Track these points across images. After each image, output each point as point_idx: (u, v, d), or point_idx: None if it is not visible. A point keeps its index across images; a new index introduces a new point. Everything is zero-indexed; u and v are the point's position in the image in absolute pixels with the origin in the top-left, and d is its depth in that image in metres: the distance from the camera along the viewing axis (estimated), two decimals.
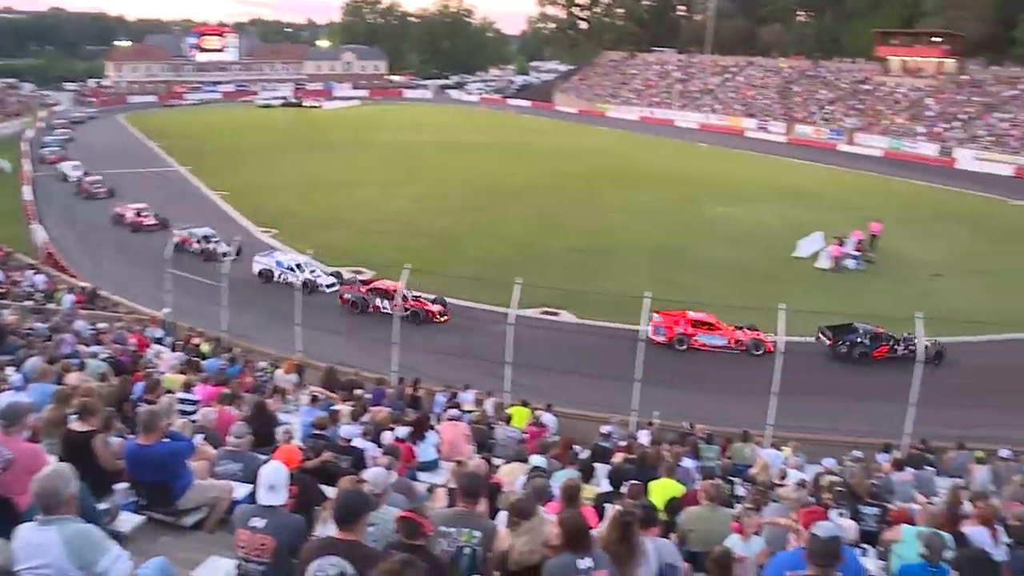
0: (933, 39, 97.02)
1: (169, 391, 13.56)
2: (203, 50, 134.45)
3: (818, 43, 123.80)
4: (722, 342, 29.29)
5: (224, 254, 32.62)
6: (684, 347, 29.09)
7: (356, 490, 6.72)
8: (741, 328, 29.42)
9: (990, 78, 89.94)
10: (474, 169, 63.73)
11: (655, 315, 28.40)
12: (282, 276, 34.34)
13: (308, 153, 71.01)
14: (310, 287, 32.96)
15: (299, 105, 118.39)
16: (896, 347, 28.53)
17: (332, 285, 33.85)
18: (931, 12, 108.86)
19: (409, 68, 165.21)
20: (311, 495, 8.18)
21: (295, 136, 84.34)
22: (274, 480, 6.52)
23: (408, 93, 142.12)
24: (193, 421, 11.33)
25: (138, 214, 44.36)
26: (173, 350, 21.20)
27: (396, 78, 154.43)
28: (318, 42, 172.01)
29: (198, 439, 10.20)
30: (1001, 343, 29.90)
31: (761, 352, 28.19)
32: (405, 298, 28.46)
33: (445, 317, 31.01)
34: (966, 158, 76.33)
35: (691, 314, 29.63)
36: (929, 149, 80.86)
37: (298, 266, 34.20)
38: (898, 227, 44.57)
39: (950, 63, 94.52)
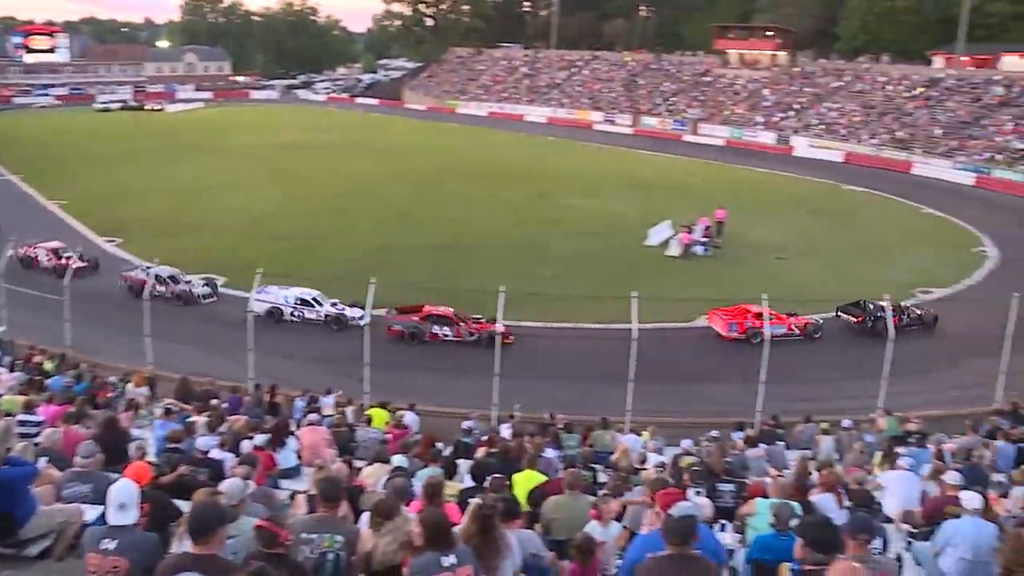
0: (767, 33, 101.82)
1: (8, 414, 12.88)
2: (31, 50, 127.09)
3: (660, 37, 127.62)
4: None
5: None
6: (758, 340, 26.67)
7: (210, 503, 6.57)
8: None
9: (819, 70, 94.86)
10: (328, 170, 62.76)
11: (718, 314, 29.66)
12: (295, 314, 30.66)
13: (153, 158, 68.23)
14: (340, 323, 30.03)
15: (140, 108, 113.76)
16: (904, 317, 29.91)
17: (362, 316, 25.51)
18: (764, 8, 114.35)
19: (254, 68, 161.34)
20: (165, 511, 7.93)
21: (138, 141, 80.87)
22: (124, 499, 6.29)
23: (254, 94, 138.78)
24: (36, 444, 10.82)
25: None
26: (11, 370, 20.15)
27: (241, 79, 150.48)
28: (158, 43, 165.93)
29: (42, 462, 9.74)
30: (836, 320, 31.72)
31: None
32: (467, 320, 28.41)
33: (511, 338, 27.61)
34: (802, 146, 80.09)
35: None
36: (768, 138, 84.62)
37: (314, 300, 30.86)
38: (742, 213, 46.26)
39: (783, 56, 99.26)
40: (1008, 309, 22.75)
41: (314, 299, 30.74)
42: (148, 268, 30.66)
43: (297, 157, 68.76)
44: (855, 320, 30.75)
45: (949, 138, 73.52)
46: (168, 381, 21.49)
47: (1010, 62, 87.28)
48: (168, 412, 15.59)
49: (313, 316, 30.40)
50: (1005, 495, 11.73)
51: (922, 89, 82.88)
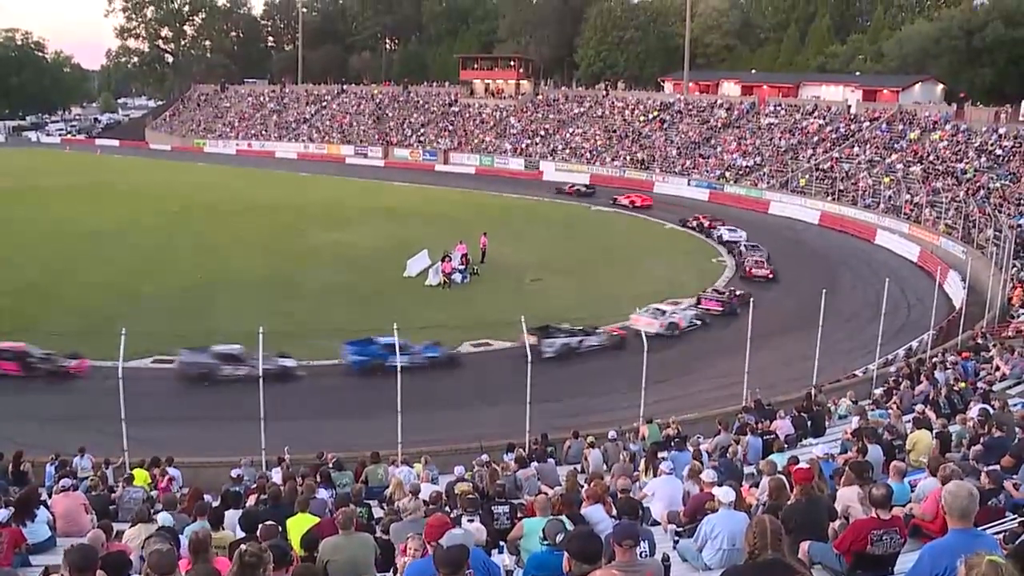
0: (510, 63, 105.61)
1: None
2: None
3: (406, 69, 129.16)
4: None
5: None
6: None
7: None
8: None
9: (561, 97, 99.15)
10: (56, 217, 57.63)
11: None
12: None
13: None
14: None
15: None
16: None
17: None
18: (505, 38, 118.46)
19: None
20: None
21: None
22: None
23: None
24: None
25: None
26: None
27: None
28: None
29: None
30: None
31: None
32: None
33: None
34: (550, 170, 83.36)
35: None
36: (517, 164, 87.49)
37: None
38: (497, 238, 47.34)
39: (526, 84, 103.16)
40: (747, 313, 24.58)
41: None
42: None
43: (27, 203, 63.17)
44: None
45: (684, 158, 78.84)
46: None
47: (728, 87, 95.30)
48: None
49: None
50: (756, 485, 12.60)
51: (655, 113, 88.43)
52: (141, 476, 17.00)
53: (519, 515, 11.81)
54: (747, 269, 44.00)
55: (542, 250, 48.92)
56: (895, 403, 19.58)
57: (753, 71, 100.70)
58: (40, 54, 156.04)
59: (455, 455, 19.53)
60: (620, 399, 24.97)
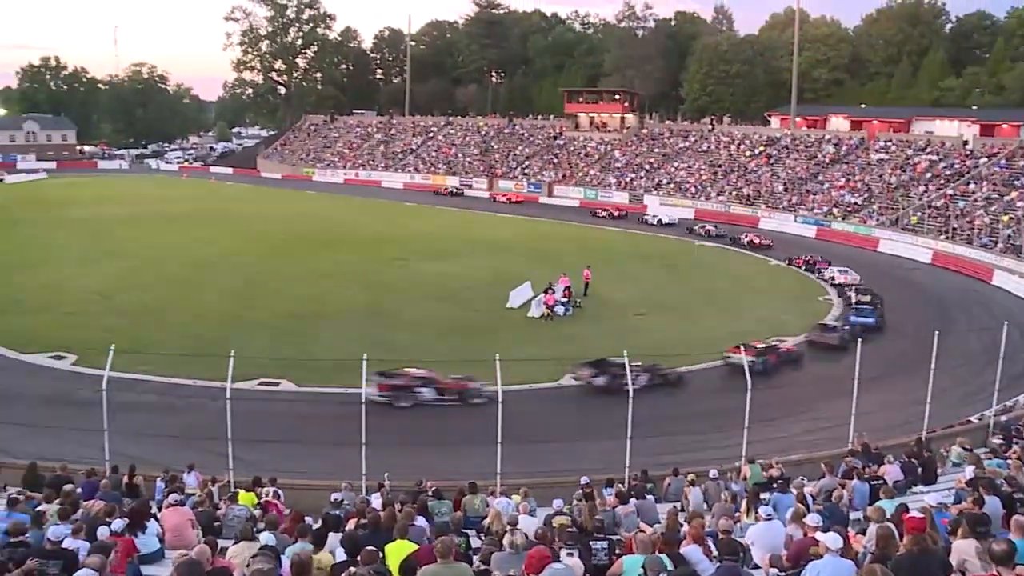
0: (615, 97, 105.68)
1: None
2: None
3: (511, 102, 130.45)
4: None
5: None
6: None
7: None
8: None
9: (666, 131, 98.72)
10: (176, 241, 60.83)
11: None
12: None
13: None
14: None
15: None
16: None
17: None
18: (610, 72, 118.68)
19: (101, 138, 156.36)
20: None
21: None
22: None
23: (102, 164, 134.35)
24: None
25: None
26: None
27: (87, 148, 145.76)
28: None
29: None
30: (700, 372, 32.61)
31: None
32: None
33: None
34: (654, 204, 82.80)
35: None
36: (621, 197, 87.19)
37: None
38: (600, 271, 47.17)
39: (631, 118, 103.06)
40: (855, 353, 23.88)
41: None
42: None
43: (145, 228, 66.34)
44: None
45: (790, 194, 77.55)
46: (13, 469, 20.26)
47: (836, 122, 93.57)
48: (14, 502, 14.64)
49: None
50: (863, 532, 12.19)
51: (762, 148, 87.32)
52: (245, 496, 17.38)
53: (617, 552, 11.67)
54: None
55: (644, 285, 48.61)
56: (1015, 453, 18.71)
57: (863, 105, 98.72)
58: (163, 86, 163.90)
59: (554, 488, 19.42)
60: (721, 437, 24.52)
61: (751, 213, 76.74)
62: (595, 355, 31.31)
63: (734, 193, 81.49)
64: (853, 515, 14.47)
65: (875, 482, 16.79)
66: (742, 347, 27.17)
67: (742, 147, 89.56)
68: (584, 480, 17.51)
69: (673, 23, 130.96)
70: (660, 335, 37.41)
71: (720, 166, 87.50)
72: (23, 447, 23.30)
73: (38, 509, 12.86)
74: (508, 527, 13.96)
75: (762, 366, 31.40)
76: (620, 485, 19.08)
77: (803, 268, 55.45)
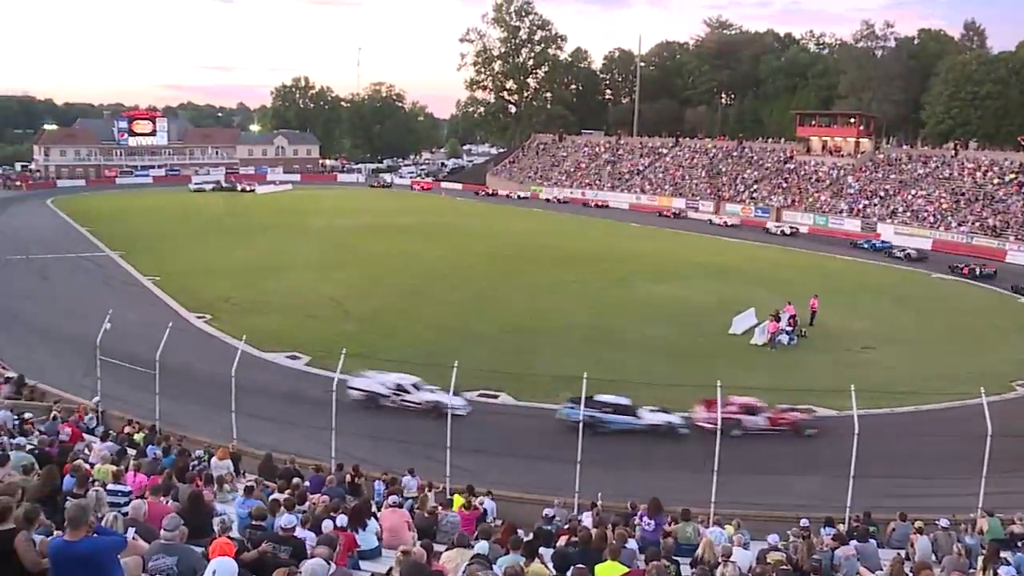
0: (850, 120, 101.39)
1: (100, 483, 13.07)
2: (133, 134, 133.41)
3: (741, 124, 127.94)
4: None
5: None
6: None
7: None
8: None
9: (904, 157, 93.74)
10: (406, 252, 63.78)
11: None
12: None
13: (241, 238, 70.59)
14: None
15: (232, 189, 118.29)
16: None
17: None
18: (845, 94, 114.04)
19: (341, 152, 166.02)
20: None
21: (228, 220, 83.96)
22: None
23: (340, 177, 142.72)
24: (124, 514, 10.90)
25: None
26: (104, 440, 20.55)
27: (328, 162, 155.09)
28: (250, 127, 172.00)
29: (130, 533, 9.78)
30: (928, 412, 30.62)
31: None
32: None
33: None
34: (888, 232, 78.74)
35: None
36: (853, 225, 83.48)
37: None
38: (828, 301, 45.30)
39: (867, 142, 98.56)
40: None
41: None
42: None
43: (378, 239, 70.11)
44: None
45: None
46: (252, 457, 21.69)
47: None
48: (250, 490, 15.64)
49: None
50: None
51: (1013, 175, 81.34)
52: (460, 502, 17.80)
53: None
54: None
55: (874, 316, 46.22)
56: None
57: None
58: (399, 104, 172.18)
59: (767, 522, 18.77)
60: (956, 484, 22.86)
61: (996, 245, 71.44)
62: (819, 387, 30.03)
63: (977, 223, 76.21)
64: None
65: None
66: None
67: (990, 174, 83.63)
68: (804, 522, 16.76)
69: (916, 41, 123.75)
70: (888, 370, 35.40)
71: (963, 194, 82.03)
72: (261, 438, 24.95)
73: (272, 498, 13.62)
74: (721, 558, 13.60)
75: None
76: (840, 525, 18.18)
77: None
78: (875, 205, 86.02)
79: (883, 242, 74.77)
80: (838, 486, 20.32)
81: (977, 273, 61.25)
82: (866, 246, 73.98)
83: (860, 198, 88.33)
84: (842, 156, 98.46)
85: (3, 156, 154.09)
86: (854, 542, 15.69)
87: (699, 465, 21.08)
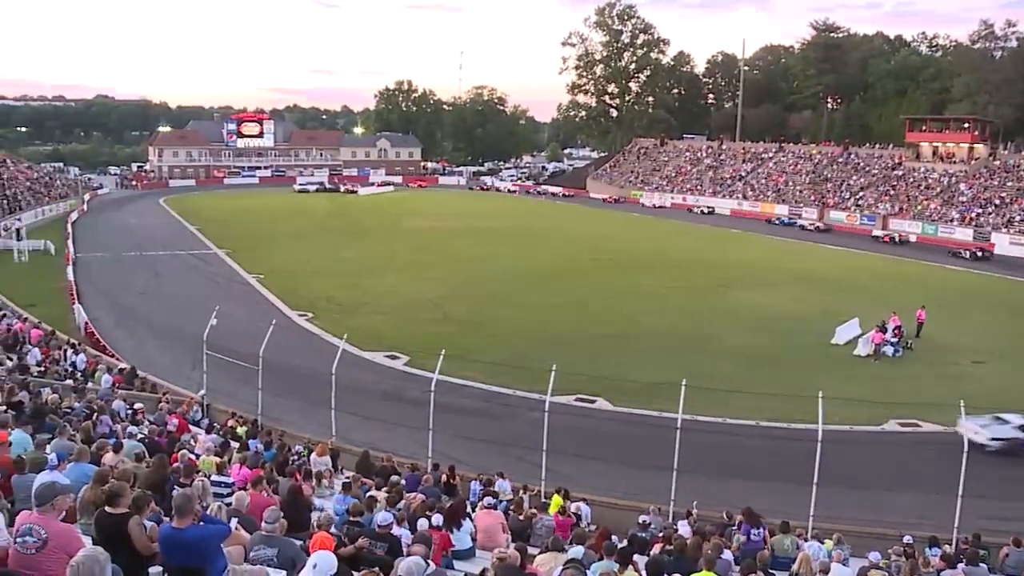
0: (963, 125, 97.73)
1: (204, 473, 13.48)
2: (241, 135, 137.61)
3: (847, 129, 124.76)
4: None
5: None
6: None
7: None
8: None
9: (1022, 163, 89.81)
10: (505, 255, 64.16)
11: None
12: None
13: (343, 238, 72.08)
14: None
15: (335, 191, 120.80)
16: None
17: None
18: (959, 98, 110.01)
19: (443, 155, 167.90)
20: None
21: (330, 221, 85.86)
22: (326, 570, 6.44)
23: (442, 180, 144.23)
24: (227, 504, 11.22)
25: None
26: (208, 432, 21.17)
27: (430, 165, 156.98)
28: (354, 129, 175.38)
29: (233, 523, 10.06)
30: None
31: None
32: None
33: None
34: (1003, 243, 75.78)
35: None
36: (964, 234, 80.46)
37: None
38: (935, 313, 43.83)
39: (981, 148, 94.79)
40: None
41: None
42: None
43: (477, 242, 70.83)
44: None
45: None
46: (350, 454, 22.08)
47: None
48: (348, 486, 15.91)
49: None
50: None
51: None
52: (556, 505, 17.81)
53: None
54: None
55: (986, 329, 44.46)
56: None
57: None
58: (501, 108, 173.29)
59: (867, 539, 18.29)
60: None
61: None
62: (923, 400, 29.06)
63: None
64: None
65: None
66: None
67: None
68: (907, 539, 16.26)
69: None
70: (999, 386, 33.94)
71: None
72: (359, 435, 25.44)
73: (369, 495, 13.84)
74: (819, 574, 13.32)
75: None
76: (947, 546, 17.57)
77: None
78: (989, 213, 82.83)
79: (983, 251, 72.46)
80: (942, 504, 19.64)
81: None
82: (966, 255, 71.51)
83: (973, 206, 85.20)
84: (954, 162, 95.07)
85: (122, 157, 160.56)
86: (962, 565, 15.16)
87: (793, 475, 20.67)
